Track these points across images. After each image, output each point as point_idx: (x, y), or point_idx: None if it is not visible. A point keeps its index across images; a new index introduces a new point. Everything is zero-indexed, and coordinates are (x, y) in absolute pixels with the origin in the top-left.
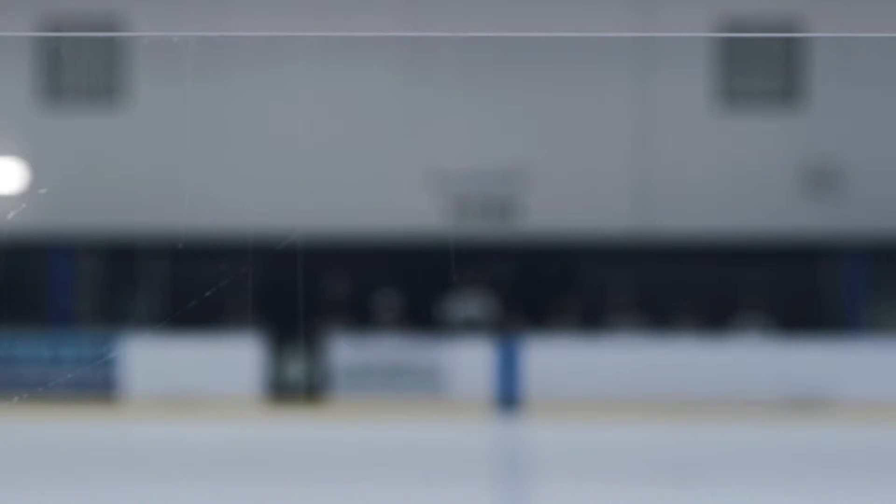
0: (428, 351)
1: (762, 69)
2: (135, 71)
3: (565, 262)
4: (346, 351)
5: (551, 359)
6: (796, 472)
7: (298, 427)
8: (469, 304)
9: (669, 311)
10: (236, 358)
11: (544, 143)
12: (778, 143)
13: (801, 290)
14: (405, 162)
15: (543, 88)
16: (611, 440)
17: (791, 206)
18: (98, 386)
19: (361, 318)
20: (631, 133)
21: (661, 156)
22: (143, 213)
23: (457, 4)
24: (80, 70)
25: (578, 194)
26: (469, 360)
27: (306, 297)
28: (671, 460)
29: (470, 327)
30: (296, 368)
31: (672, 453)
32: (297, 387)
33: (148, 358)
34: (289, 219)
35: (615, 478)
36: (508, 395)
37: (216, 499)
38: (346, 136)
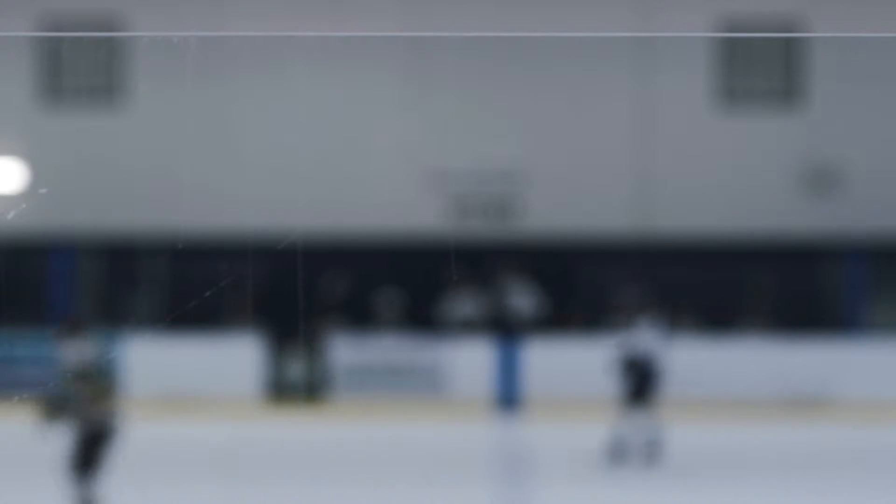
0: (428, 351)
1: (762, 69)
2: (135, 71)
3: (565, 262)
4: (346, 351)
5: (551, 359)
6: (796, 471)
7: (298, 427)
8: (467, 304)
9: (670, 311)
10: (236, 358)
11: (544, 142)
12: (778, 143)
13: (801, 290)
14: (405, 162)
15: (543, 88)
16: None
17: (791, 207)
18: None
19: (361, 318)
20: (631, 133)
21: (661, 156)
22: (143, 213)
23: (457, 5)
24: (80, 70)
25: (578, 194)
26: (469, 360)
27: (306, 297)
28: (671, 460)
29: (468, 327)
30: (296, 368)
31: (672, 453)
32: (297, 387)
33: (148, 358)
34: (289, 219)
35: (614, 478)
36: (508, 395)
37: (216, 499)
38: (346, 137)
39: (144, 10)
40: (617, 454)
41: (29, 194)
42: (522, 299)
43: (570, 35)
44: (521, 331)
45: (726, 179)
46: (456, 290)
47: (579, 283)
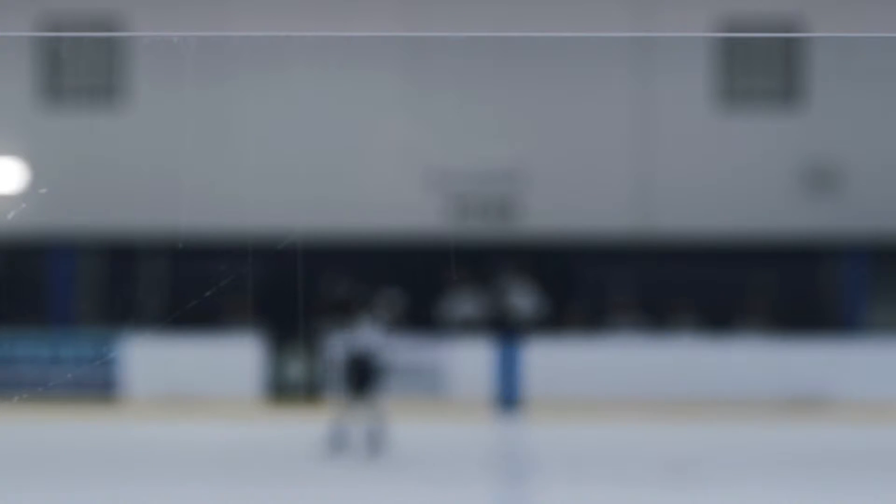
0: (428, 351)
1: (762, 69)
2: (135, 71)
3: (565, 262)
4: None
5: (551, 359)
6: (796, 471)
7: (298, 427)
8: (467, 304)
9: (670, 310)
10: (236, 358)
11: (544, 142)
12: (778, 143)
13: (801, 290)
14: (405, 162)
15: (544, 88)
16: (611, 440)
17: (791, 206)
18: (98, 386)
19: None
20: (631, 133)
21: (661, 156)
22: (142, 212)
23: (457, 5)
24: (80, 70)
25: (578, 194)
26: (469, 360)
27: (306, 297)
28: (671, 460)
29: (468, 327)
30: (296, 368)
31: (672, 453)
32: (297, 387)
33: (148, 358)
34: (289, 219)
35: (615, 478)
36: (508, 395)
37: (216, 499)
38: (345, 136)
39: (144, 10)
40: (337, 445)
41: (29, 194)
42: (522, 299)
43: (570, 35)
44: (521, 331)
45: (726, 179)
46: (456, 290)
47: (579, 283)
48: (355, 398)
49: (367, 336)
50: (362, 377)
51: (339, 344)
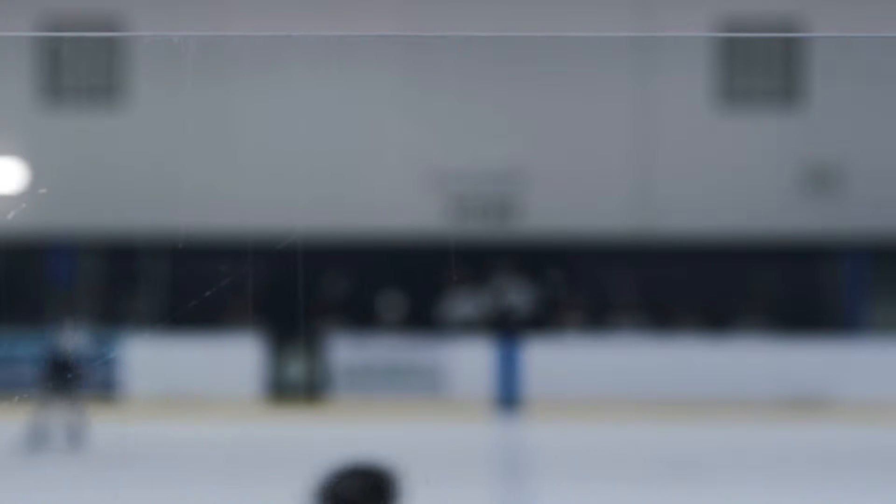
0: (428, 351)
1: (762, 69)
2: (135, 71)
3: (565, 262)
4: (346, 351)
5: (551, 359)
6: (796, 472)
7: (298, 427)
8: (467, 304)
9: (670, 310)
10: (236, 358)
11: (544, 143)
12: (778, 143)
13: (801, 290)
14: (405, 162)
15: (543, 88)
16: (611, 440)
17: (791, 206)
18: (98, 386)
19: (362, 318)
20: (631, 133)
21: (661, 156)
22: (143, 213)
23: (457, 5)
24: (80, 70)
25: (578, 194)
26: (469, 360)
27: (306, 297)
28: (671, 460)
29: (468, 327)
30: (296, 368)
31: (672, 453)
32: (297, 387)
33: (148, 358)
34: (289, 219)
35: (615, 477)
36: (508, 395)
37: (216, 499)
38: (345, 136)
39: (144, 10)
40: (36, 441)
41: (29, 194)
42: (522, 299)
43: (570, 35)
44: (520, 331)
45: (726, 179)
46: (456, 290)
47: (579, 283)
48: (55, 394)
49: (70, 338)
50: (64, 375)
51: (41, 342)
